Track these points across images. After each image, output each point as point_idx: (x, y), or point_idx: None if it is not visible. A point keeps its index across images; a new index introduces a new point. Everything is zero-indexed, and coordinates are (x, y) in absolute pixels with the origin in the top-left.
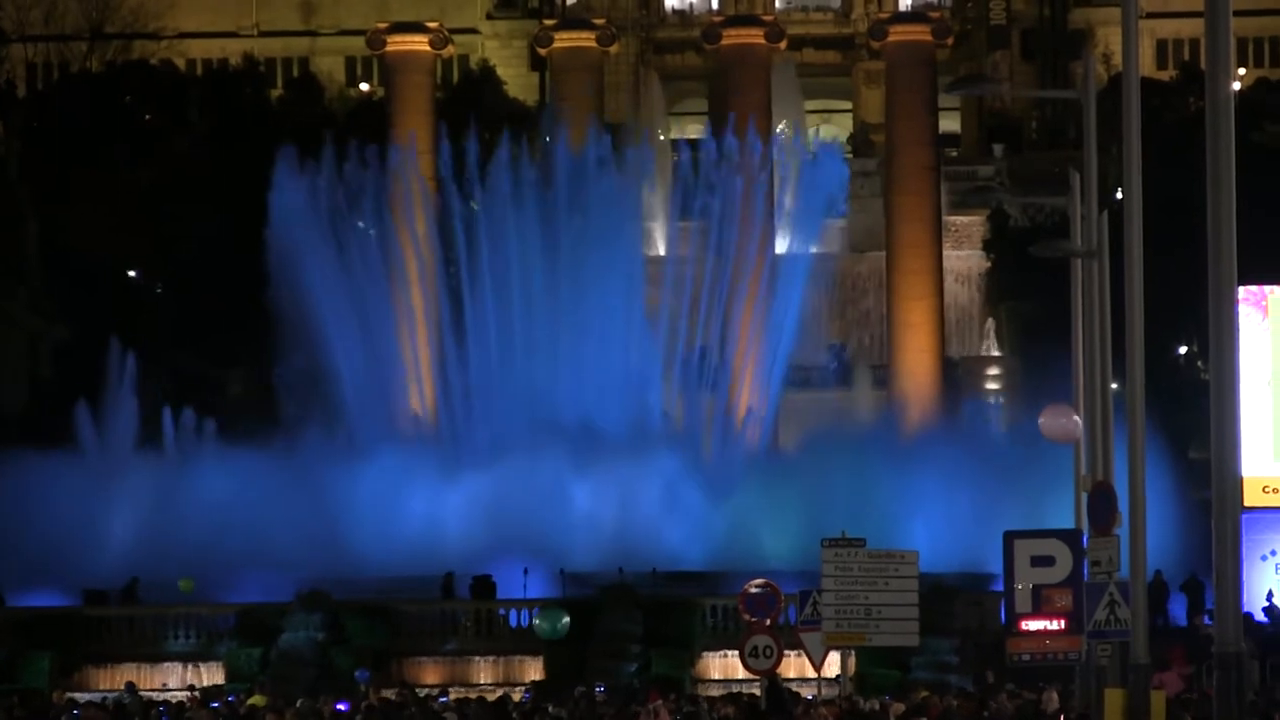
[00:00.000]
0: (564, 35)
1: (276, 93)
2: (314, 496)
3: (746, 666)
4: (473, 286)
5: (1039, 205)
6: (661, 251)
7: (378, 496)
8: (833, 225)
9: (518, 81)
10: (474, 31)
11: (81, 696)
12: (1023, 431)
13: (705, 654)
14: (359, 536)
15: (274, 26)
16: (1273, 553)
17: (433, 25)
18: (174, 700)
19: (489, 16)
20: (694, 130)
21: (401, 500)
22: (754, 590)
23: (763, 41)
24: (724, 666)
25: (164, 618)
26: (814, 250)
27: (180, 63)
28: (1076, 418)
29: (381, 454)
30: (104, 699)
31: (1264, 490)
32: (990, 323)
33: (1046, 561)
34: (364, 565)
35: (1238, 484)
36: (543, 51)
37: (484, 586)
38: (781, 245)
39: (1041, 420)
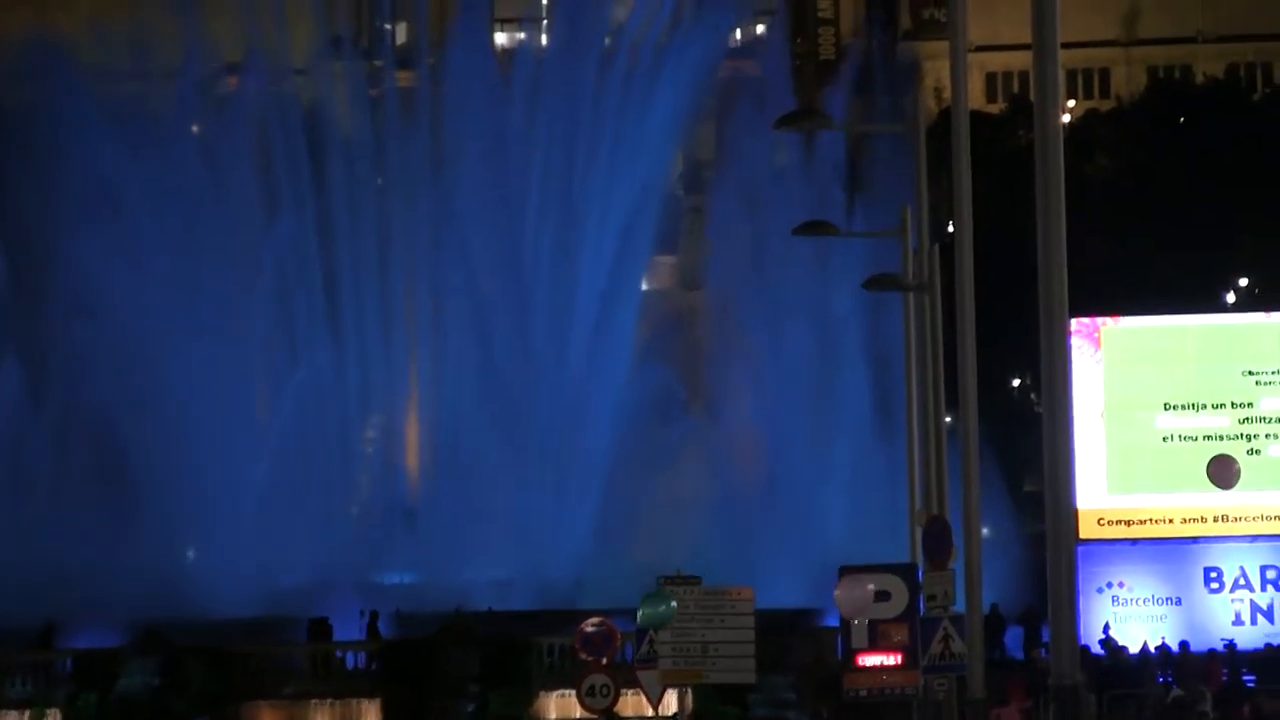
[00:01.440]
0: None
1: None
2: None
3: (584, 705)
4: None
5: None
6: None
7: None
8: (663, 262)
9: None
10: None
11: None
12: None
13: (543, 693)
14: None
15: None
16: (1109, 585)
17: None
18: None
19: None
20: None
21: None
22: (590, 629)
23: None
24: (562, 705)
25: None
26: (644, 287)
27: None
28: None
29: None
30: None
31: (1099, 523)
32: None
33: (883, 596)
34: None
35: (1072, 516)
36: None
37: (320, 628)
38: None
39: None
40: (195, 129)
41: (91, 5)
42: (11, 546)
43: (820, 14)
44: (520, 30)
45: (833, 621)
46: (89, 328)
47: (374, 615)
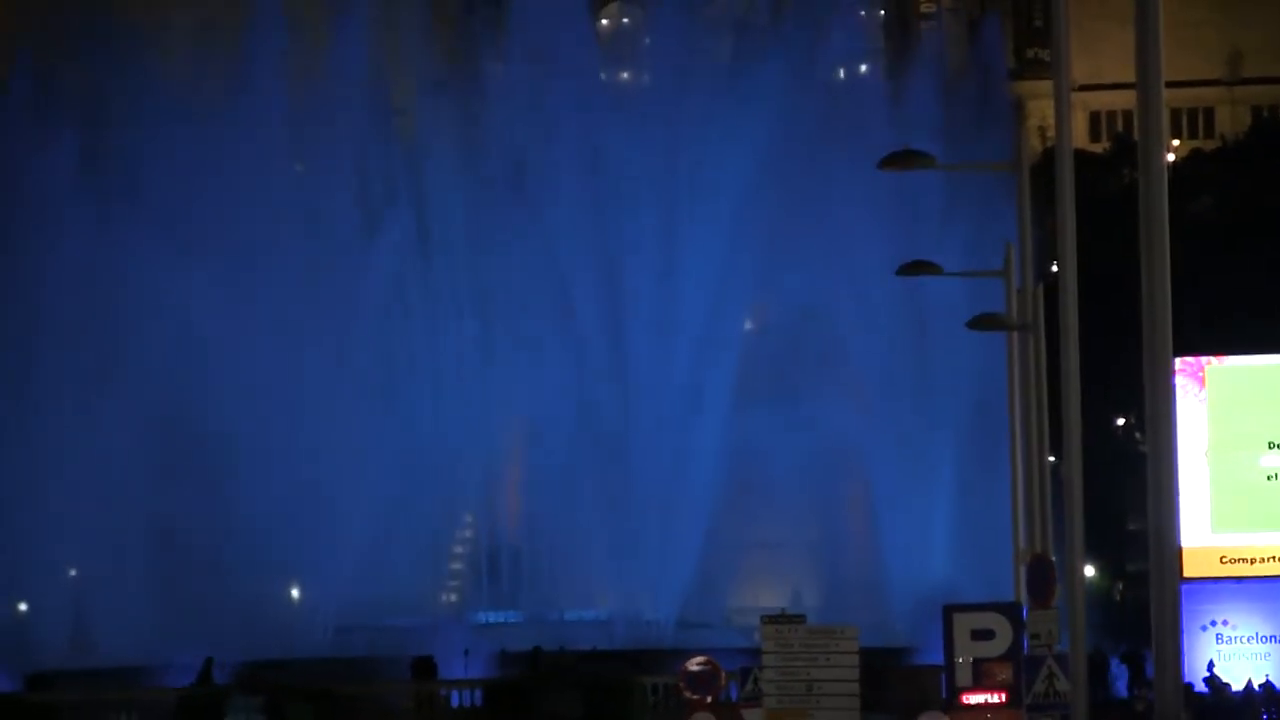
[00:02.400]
0: None
1: None
2: None
3: None
4: None
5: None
6: None
7: None
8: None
9: None
10: None
11: None
12: None
13: None
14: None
15: None
16: (1213, 623)
17: None
18: None
19: None
20: None
21: None
22: (695, 668)
23: None
24: None
25: (104, 703)
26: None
27: None
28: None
29: None
30: None
31: (1203, 561)
32: None
33: (986, 635)
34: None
35: (1176, 554)
36: None
37: (425, 667)
38: None
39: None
40: (299, 168)
41: (193, 43)
42: (120, 583)
43: (924, 53)
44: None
45: (935, 659)
46: (198, 361)
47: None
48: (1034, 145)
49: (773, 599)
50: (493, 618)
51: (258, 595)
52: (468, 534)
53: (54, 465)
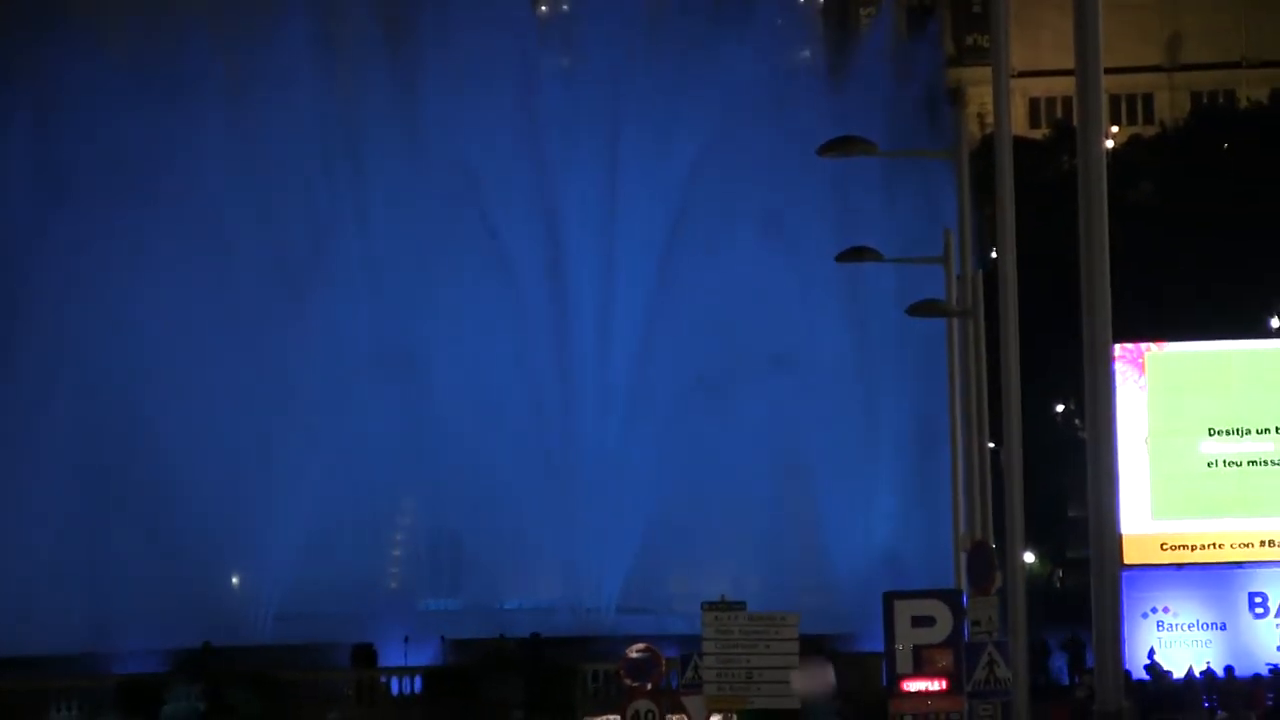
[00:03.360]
0: None
1: None
2: None
3: None
4: None
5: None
6: None
7: None
8: None
9: None
10: None
11: None
12: None
13: (587, 719)
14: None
15: None
16: (1154, 610)
17: None
18: None
19: None
20: None
21: None
22: (635, 655)
23: None
24: None
25: (45, 691)
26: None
27: None
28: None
29: None
30: None
31: (1143, 548)
32: None
33: (927, 621)
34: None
35: (1116, 542)
36: None
37: (365, 654)
38: None
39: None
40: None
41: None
42: (58, 570)
43: (863, 39)
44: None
45: (876, 646)
46: (136, 348)
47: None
48: (974, 132)
49: (714, 586)
50: (433, 605)
51: (198, 581)
52: (408, 521)
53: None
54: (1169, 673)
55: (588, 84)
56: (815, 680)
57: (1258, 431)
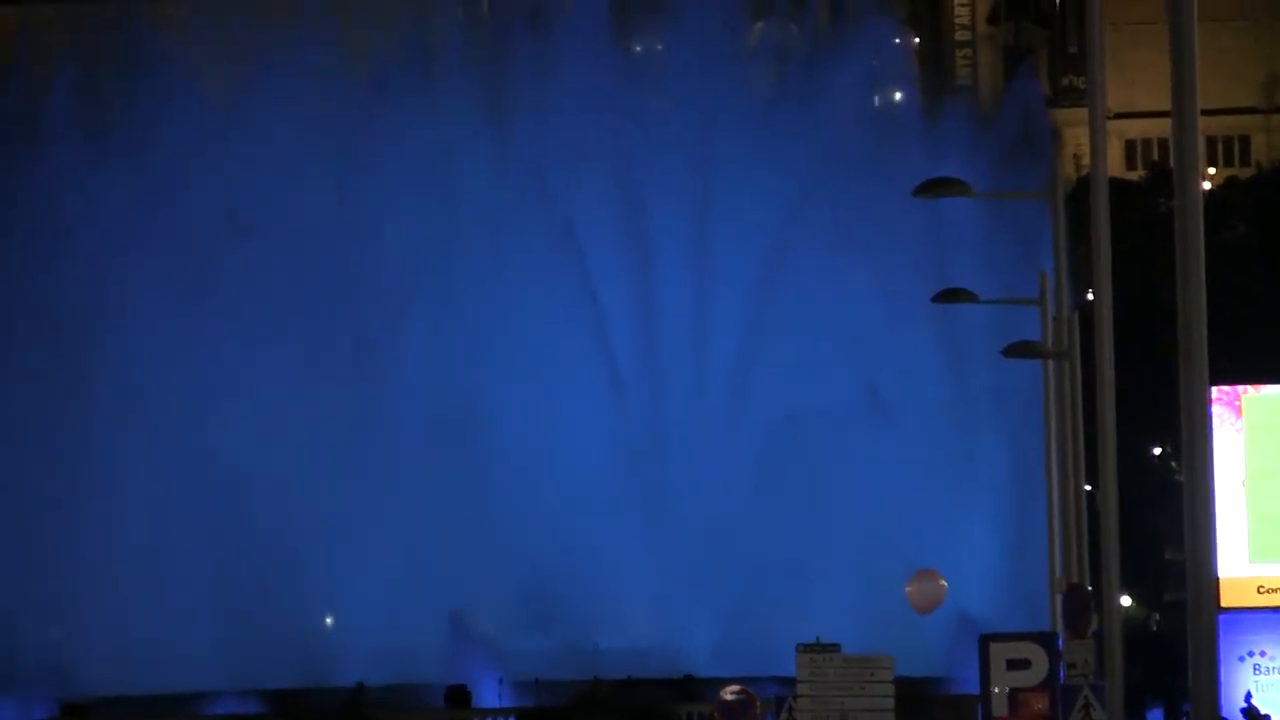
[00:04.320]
0: None
1: None
2: None
3: None
4: None
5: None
6: None
7: None
8: None
9: None
10: None
11: None
12: None
13: None
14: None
15: None
16: (1250, 653)
17: None
18: None
19: None
20: None
21: None
22: (729, 697)
23: None
24: None
25: None
26: None
27: None
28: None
29: None
30: None
31: (1240, 591)
32: None
33: (1022, 665)
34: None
35: (1213, 584)
36: None
37: (458, 695)
38: None
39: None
40: None
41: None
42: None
43: (959, 80)
44: None
45: (971, 689)
46: (247, 403)
47: None
48: (1069, 173)
49: (809, 628)
50: (527, 646)
51: (291, 623)
52: (502, 562)
53: (100, 491)
54: (1267, 716)
55: (680, 124)
56: (928, 594)
57: None
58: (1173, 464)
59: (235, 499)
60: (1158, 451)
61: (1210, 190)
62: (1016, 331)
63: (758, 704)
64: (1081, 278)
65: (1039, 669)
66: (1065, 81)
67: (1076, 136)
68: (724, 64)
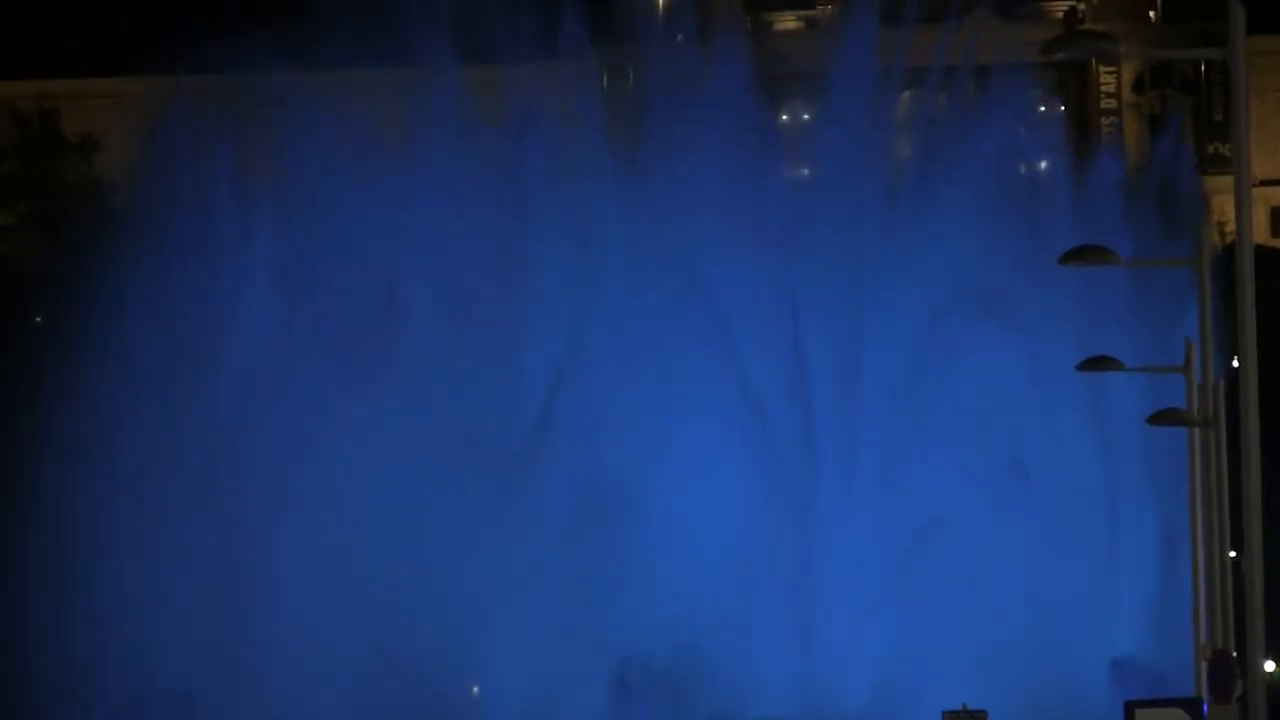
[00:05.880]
0: None
1: None
2: None
3: None
4: None
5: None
6: None
7: None
8: None
9: None
10: None
11: None
12: None
13: None
14: None
15: None
16: None
17: None
18: None
19: None
20: None
21: None
22: None
23: None
24: None
25: None
26: None
27: None
28: None
29: None
30: None
31: None
32: None
33: None
34: None
35: None
36: None
37: None
38: None
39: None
40: None
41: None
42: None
43: (1104, 147)
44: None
45: None
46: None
47: None
48: (1215, 240)
49: (955, 695)
50: (673, 717)
51: (438, 694)
52: (648, 636)
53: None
54: None
55: (826, 189)
56: None
57: None
58: None
59: (390, 583)
60: None
61: None
62: (1164, 400)
63: None
64: (1228, 345)
65: None
66: (1210, 149)
67: (1222, 204)
68: (872, 132)
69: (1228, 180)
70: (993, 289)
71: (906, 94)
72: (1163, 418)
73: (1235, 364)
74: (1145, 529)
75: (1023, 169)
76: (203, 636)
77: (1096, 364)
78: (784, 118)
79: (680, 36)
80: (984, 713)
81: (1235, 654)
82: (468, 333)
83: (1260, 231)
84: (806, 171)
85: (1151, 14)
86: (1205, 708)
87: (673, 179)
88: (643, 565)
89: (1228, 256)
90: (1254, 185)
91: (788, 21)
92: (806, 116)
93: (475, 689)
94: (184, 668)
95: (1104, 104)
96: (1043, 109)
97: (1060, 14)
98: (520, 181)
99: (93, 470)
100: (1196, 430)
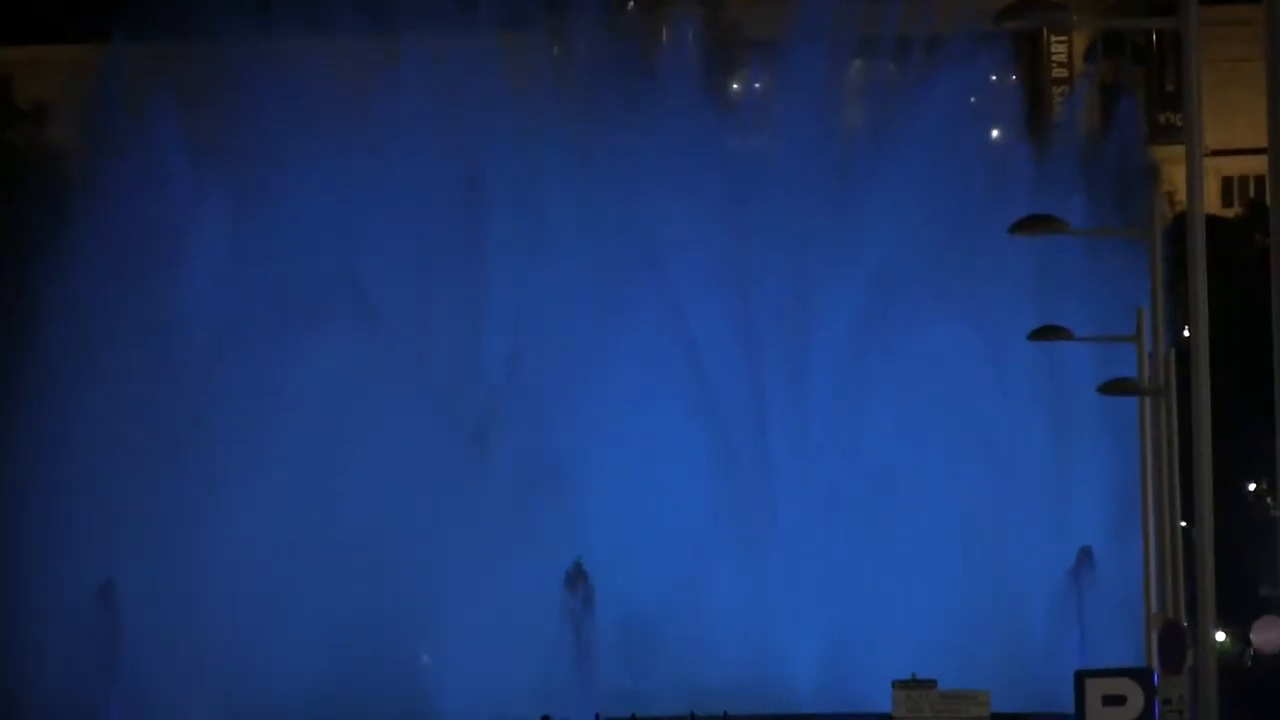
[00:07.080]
0: None
1: None
2: None
3: None
4: None
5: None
6: None
7: None
8: None
9: None
10: None
11: None
12: None
13: None
14: None
15: None
16: None
17: None
18: None
19: None
20: None
21: None
22: None
23: None
24: None
25: None
26: None
27: None
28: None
29: None
30: None
31: None
32: None
33: (1117, 701)
34: None
35: None
36: None
37: None
38: None
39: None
40: None
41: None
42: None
43: (1056, 118)
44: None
45: None
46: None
47: None
48: (1166, 211)
49: (906, 664)
50: (625, 683)
51: (394, 661)
52: (602, 599)
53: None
54: None
55: (779, 161)
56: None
57: None
58: (1268, 500)
59: (343, 557)
60: (1253, 488)
61: None
62: (1116, 369)
63: None
64: (1179, 315)
65: (1134, 705)
66: (1162, 119)
67: (1173, 174)
68: (823, 102)
69: (1179, 150)
70: (944, 259)
71: (858, 63)
72: (1114, 387)
73: (1186, 333)
74: (1098, 498)
75: (975, 139)
76: (154, 616)
77: (1047, 334)
78: (735, 87)
79: (632, 5)
80: (934, 681)
81: (1186, 624)
82: (422, 309)
83: (1211, 202)
84: (757, 141)
85: None
86: (1155, 678)
87: (623, 150)
88: (594, 535)
89: (1179, 227)
90: (1206, 155)
91: None
92: (758, 85)
93: (425, 658)
94: (136, 639)
95: (1056, 74)
96: (994, 78)
97: None
98: (473, 155)
99: (46, 437)
100: (1147, 400)
